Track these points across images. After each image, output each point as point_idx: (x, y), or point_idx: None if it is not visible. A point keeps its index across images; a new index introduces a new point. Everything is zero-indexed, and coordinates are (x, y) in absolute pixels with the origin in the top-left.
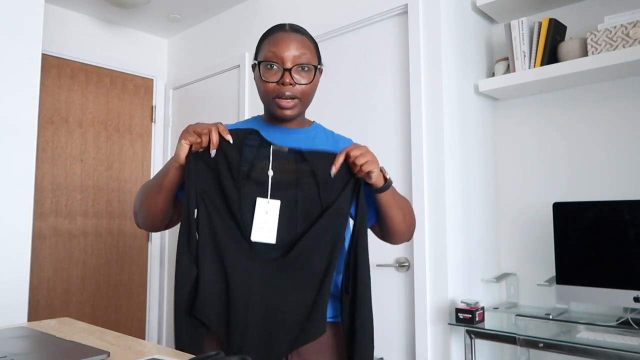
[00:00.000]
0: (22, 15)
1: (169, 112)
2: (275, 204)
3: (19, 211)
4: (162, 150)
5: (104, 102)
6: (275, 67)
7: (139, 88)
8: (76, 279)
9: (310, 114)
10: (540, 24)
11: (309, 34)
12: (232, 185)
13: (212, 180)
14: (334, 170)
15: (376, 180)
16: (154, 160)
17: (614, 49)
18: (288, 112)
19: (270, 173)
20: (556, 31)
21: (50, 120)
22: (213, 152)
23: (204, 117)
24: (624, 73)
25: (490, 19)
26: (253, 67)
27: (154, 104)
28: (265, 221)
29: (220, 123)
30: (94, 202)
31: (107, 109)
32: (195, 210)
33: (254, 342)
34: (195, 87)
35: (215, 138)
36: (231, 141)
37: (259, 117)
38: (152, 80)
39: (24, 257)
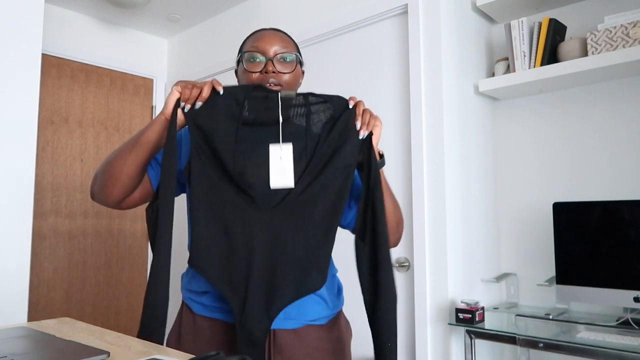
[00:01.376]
0: (22, 15)
1: None
2: (288, 147)
3: (19, 211)
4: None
5: (104, 102)
6: (258, 58)
7: (139, 88)
8: (76, 279)
9: None
10: (540, 24)
11: (288, 34)
12: (230, 135)
13: (205, 131)
14: (358, 125)
15: (376, 145)
16: None
17: (614, 49)
18: None
19: (281, 119)
20: (556, 31)
21: (50, 120)
22: (198, 104)
23: None
24: (624, 73)
25: (490, 19)
26: (236, 71)
27: (154, 104)
28: (281, 166)
29: (215, 79)
30: (94, 202)
31: (107, 109)
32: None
33: (256, 295)
34: None
35: (205, 92)
36: (221, 92)
37: None
38: (152, 80)
39: (24, 257)
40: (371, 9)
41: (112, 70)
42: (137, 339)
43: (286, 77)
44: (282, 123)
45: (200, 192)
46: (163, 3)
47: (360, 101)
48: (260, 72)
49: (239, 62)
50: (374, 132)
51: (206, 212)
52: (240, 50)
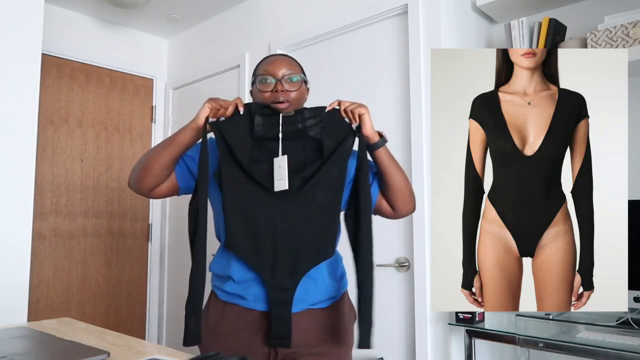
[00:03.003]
0: (22, 15)
1: (169, 112)
2: (284, 159)
3: (19, 211)
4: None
5: (104, 102)
6: (269, 80)
7: (139, 88)
8: (76, 279)
9: None
10: (540, 24)
11: (294, 59)
12: (247, 144)
13: (228, 141)
14: (328, 108)
15: (369, 127)
16: None
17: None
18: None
19: (280, 135)
20: (556, 31)
21: (50, 120)
22: (222, 118)
23: None
24: None
25: (490, 19)
26: (251, 91)
27: (154, 104)
28: (280, 174)
29: (239, 98)
30: (94, 202)
31: (107, 109)
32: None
33: (282, 264)
34: (195, 87)
35: (229, 111)
36: (241, 112)
37: None
38: (152, 80)
39: (24, 257)
40: (371, 9)
41: (112, 70)
42: (137, 339)
43: (293, 94)
44: (281, 139)
45: (230, 188)
46: (163, 3)
47: (339, 101)
48: (271, 91)
49: (253, 83)
50: (362, 119)
51: (236, 204)
52: (254, 74)
